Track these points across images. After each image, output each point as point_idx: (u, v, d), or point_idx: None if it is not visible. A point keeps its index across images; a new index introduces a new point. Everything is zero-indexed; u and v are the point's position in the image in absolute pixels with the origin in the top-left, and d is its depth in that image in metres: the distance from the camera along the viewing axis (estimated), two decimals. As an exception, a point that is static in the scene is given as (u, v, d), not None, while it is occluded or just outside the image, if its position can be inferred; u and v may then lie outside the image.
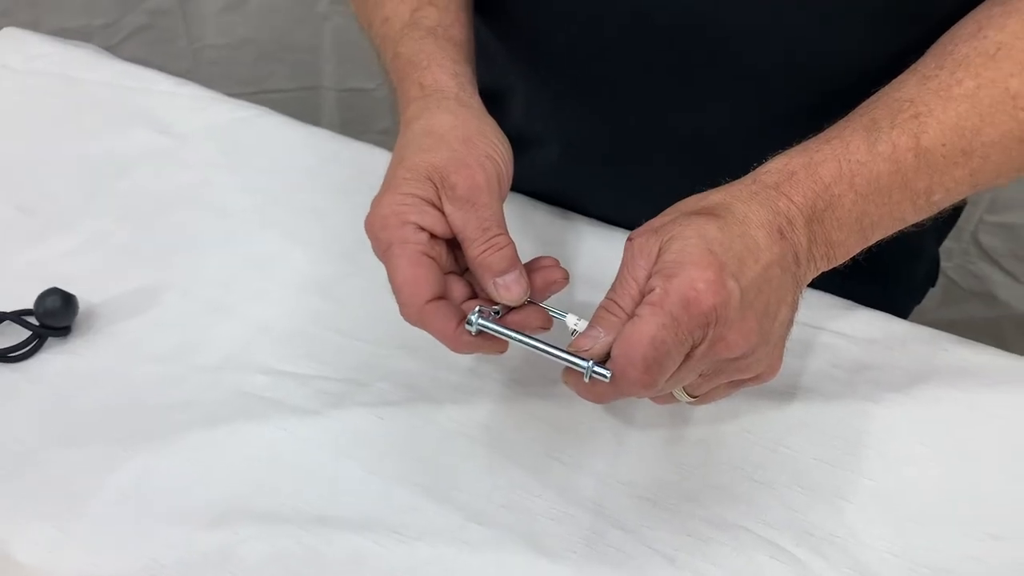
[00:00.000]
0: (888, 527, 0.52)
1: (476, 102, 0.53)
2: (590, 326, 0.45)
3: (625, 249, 0.46)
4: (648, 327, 0.42)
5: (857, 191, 0.47)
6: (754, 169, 0.49)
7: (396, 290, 0.47)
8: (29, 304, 0.60)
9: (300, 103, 1.51)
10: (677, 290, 0.42)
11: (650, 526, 0.52)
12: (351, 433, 0.56)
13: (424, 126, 0.50)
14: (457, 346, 0.47)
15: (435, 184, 0.48)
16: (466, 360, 0.59)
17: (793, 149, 0.49)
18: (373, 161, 0.72)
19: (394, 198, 0.48)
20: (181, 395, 0.57)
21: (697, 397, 0.49)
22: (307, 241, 0.67)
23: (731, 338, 0.43)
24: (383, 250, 0.48)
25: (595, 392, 0.44)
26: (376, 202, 0.48)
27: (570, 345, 0.45)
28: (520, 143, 0.75)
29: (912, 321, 0.80)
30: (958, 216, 0.83)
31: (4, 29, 0.86)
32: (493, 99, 0.77)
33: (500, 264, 0.47)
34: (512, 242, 0.48)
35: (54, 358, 0.59)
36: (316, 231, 0.68)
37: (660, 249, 0.44)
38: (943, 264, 1.31)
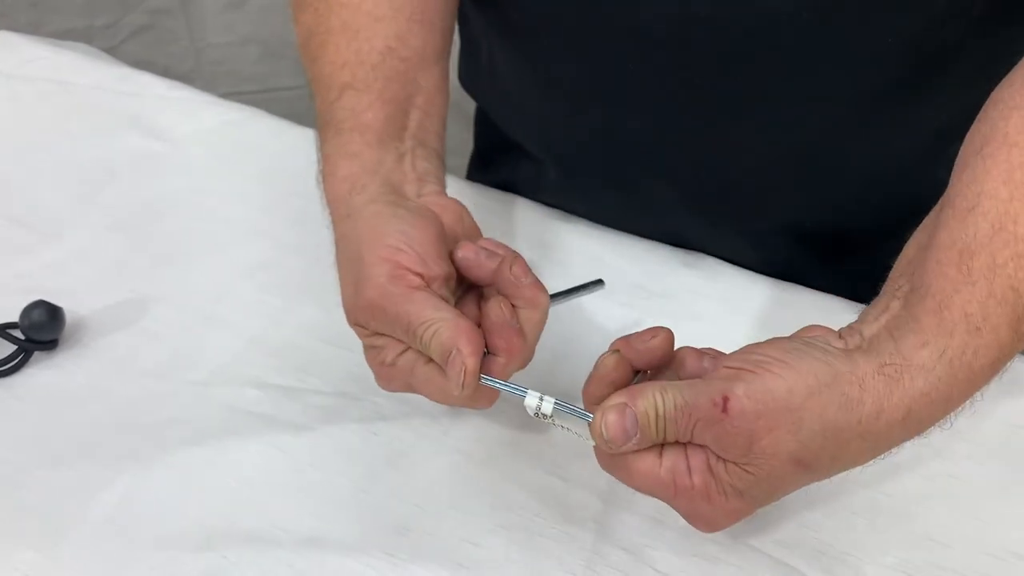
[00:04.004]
0: (904, 545, 0.50)
1: (373, 189, 0.50)
2: (632, 418, 0.41)
3: (716, 404, 0.40)
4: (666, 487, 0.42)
5: (986, 385, 0.44)
6: (906, 341, 0.41)
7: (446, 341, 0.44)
8: (14, 317, 0.58)
9: (304, 101, 1.48)
10: (703, 511, 0.43)
11: (654, 546, 0.49)
12: (344, 449, 0.54)
13: (344, 250, 0.49)
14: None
15: (363, 324, 0.47)
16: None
17: (944, 324, 0.41)
18: (369, 164, 0.70)
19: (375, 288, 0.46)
20: (169, 411, 0.56)
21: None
22: (299, 249, 0.65)
23: (701, 523, 0.44)
24: (393, 316, 0.45)
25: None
26: (358, 293, 0.46)
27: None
28: (518, 155, 0.74)
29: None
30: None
31: (-4, 33, 0.85)
32: (497, 115, 0.76)
33: (440, 348, 0.44)
34: (444, 319, 0.44)
35: (40, 373, 0.58)
36: (309, 238, 0.66)
37: (746, 452, 0.40)
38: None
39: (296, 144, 0.73)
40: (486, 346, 0.45)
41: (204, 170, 0.71)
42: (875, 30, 0.54)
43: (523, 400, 0.44)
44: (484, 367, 0.45)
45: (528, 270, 0.46)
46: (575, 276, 0.64)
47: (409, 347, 0.46)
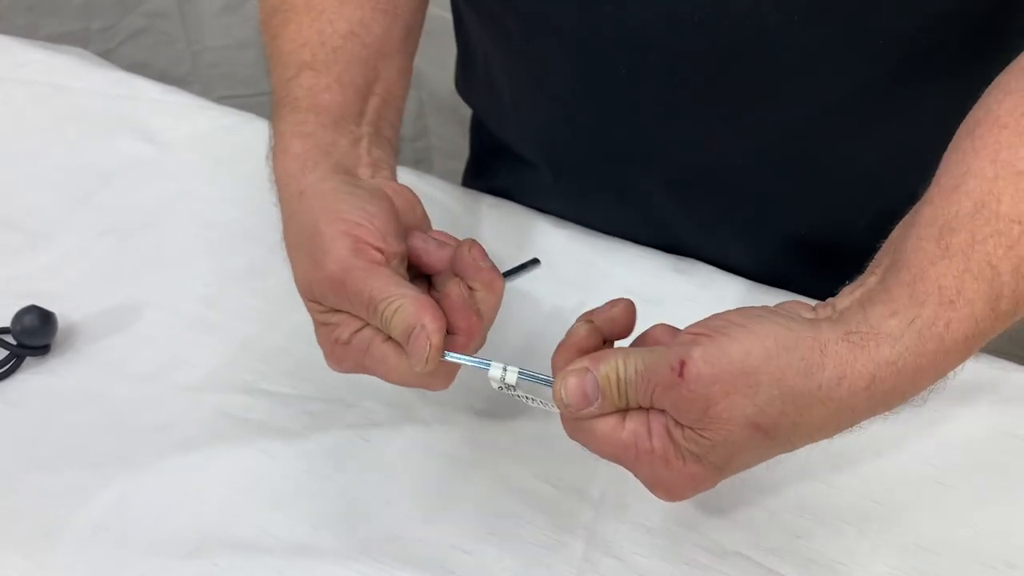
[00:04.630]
0: (894, 553, 0.50)
1: (326, 168, 0.49)
2: (592, 381, 0.41)
3: (673, 369, 0.40)
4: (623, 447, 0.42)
5: (963, 362, 0.42)
6: (874, 309, 0.41)
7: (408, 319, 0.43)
8: (6, 322, 0.58)
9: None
10: (662, 475, 0.42)
11: (645, 554, 0.49)
12: (335, 456, 0.54)
13: (288, 241, 0.49)
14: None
15: (319, 300, 0.46)
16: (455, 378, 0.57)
17: (916, 296, 0.40)
18: (362, 170, 0.70)
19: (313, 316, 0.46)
20: (161, 417, 0.56)
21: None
22: (293, 254, 0.65)
23: (661, 491, 0.43)
24: (354, 291, 0.44)
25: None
26: (318, 267, 0.45)
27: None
28: (514, 161, 0.74)
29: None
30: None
31: (-10, 37, 0.85)
32: (492, 122, 0.76)
33: (401, 325, 0.43)
34: (406, 296, 0.43)
35: (32, 378, 0.58)
36: (303, 243, 0.66)
37: (696, 417, 0.40)
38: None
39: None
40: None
41: (197, 174, 0.71)
42: (867, 32, 0.54)
43: (487, 372, 0.44)
44: (445, 345, 0.44)
45: (485, 254, 0.46)
46: (570, 281, 0.64)
47: (367, 325, 0.45)
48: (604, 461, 0.52)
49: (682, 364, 0.39)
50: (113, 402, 0.57)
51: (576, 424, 0.43)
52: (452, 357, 0.44)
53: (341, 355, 0.47)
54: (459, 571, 0.48)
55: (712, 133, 0.60)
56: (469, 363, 0.44)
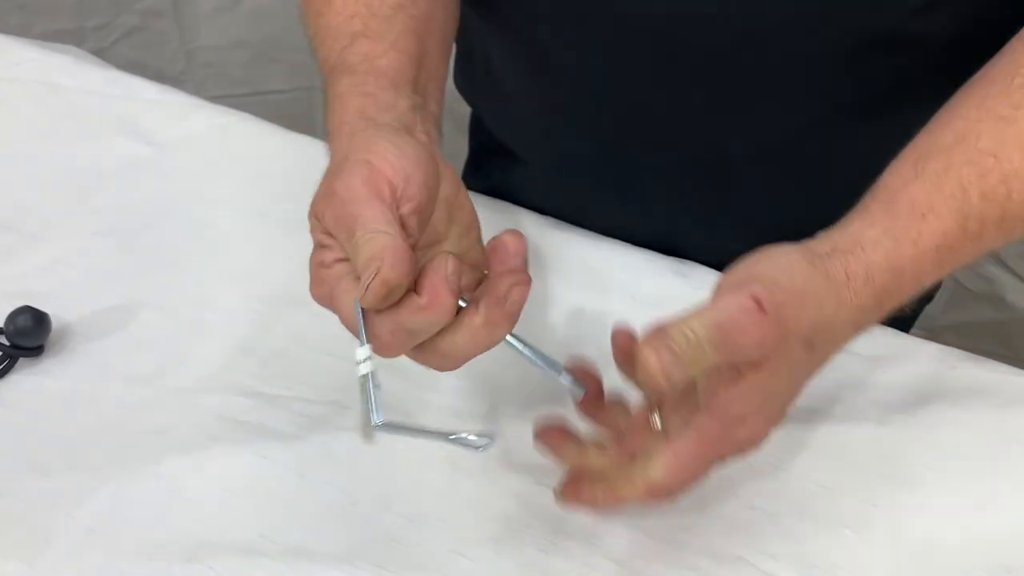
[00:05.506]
0: (895, 557, 0.49)
1: (385, 119, 0.47)
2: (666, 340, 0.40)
3: (747, 310, 0.40)
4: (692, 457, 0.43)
5: (939, 275, 0.46)
6: (858, 226, 0.45)
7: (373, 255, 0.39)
8: (-1, 323, 0.57)
9: (295, 104, 1.49)
10: (733, 439, 0.43)
11: (645, 559, 0.49)
12: (332, 459, 0.53)
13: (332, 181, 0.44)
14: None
15: (318, 217, 0.43)
16: (453, 381, 0.57)
17: (891, 213, 0.45)
18: (359, 170, 0.70)
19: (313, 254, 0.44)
20: (156, 419, 0.55)
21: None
22: (289, 255, 0.64)
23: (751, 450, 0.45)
24: (344, 215, 0.41)
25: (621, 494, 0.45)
26: (327, 183, 0.42)
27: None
28: (513, 159, 0.74)
29: (920, 324, 0.77)
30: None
31: (-16, 35, 0.84)
32: (490, 117, 0.76)
33: (363, 259, 0.39)
34: (389, 235, 0.39)
35: (25, 380, 0.57)
36: (299, 244, 0.65)
37: (780, 345, 0.41)
38: (951, 266, 1.28)
39: (286, 148, 0.73)
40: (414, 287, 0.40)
41: (193, 174, 0.71)
42: (859, 27, 0.54)
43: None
44: (400, 300, 0.40)
45: (524, 253, 0.45)
46: (567, 283, 0.64)
47: (346, 259, 0.42)
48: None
49: (757, 300, 0.40)
50: (108, 404, 0.56)
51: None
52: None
53: (320, 278, 0.43)
54: (457, 575, 0.48)
55: (714, 131, 0.60)
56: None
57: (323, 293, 0.44)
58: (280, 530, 0.50)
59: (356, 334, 0.41)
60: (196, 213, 0.68)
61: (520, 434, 0.54)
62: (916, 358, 0.58)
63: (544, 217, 0.69)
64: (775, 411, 0.45)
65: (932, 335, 0.61)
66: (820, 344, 0.43)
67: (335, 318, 0.58)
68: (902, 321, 0.76)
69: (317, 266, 0.43)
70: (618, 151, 0.64)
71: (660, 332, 0.40)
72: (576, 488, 0.46)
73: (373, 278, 0.38)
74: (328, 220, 0.42)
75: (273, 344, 0.59)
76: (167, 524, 0.50)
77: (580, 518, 0.50)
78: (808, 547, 0.50)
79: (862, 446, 0.54)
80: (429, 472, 0.53)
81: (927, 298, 0.83)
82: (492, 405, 0.56)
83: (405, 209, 0.41)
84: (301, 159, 0.72)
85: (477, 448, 0.47)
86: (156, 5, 1.43)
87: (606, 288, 0.63)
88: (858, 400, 0.56)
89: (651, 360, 0.40)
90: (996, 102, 0.46)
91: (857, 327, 0.45)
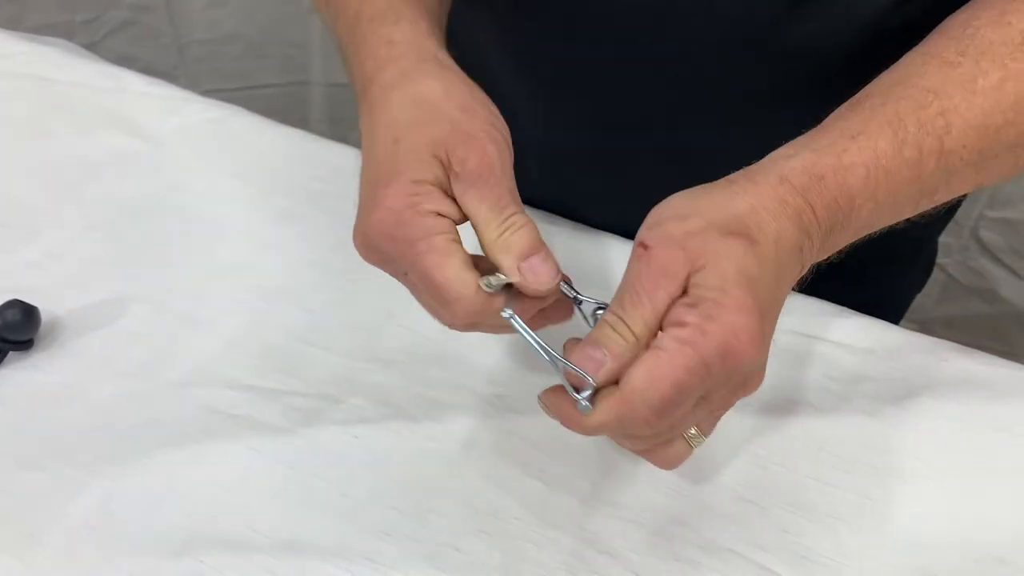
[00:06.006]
0: (886, 549, 0.49)
1: (456, 66, 0.47)
2: (590, 344, 0.40)
3: (638, 258, 0.40)
4: (675, 368, 0.37)
5: (877, 202, 0.44)
6: (773, 154, 0.44)
7: (439, 289, 0.40)
8: (-11, 317, 0.57)
9: (288, 98, 1.48)
10: (716, 336, 0.37)
11: (636, 551, 0.49)
12: (324, 453, 0.53)
13: (411, 94, 0.44)
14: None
15: (442, 162, 0.42)
16: (444, 374, 0.57)
17: (816, 138, 0.44)
18: (350, 163, 0.70)
19: (403, 187, 0.41)
20: (147, 413, 0.55)
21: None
22: (281, 248, 0.64)
23: (753, 382, 0.41)
24: (403, 251, 0.41)
25: (582, 423, 0.40)
26: (379, 197, 0.41)
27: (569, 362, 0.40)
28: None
29: (912, 317, 0.77)
30: (958, 206, 0.81)
31: (-27, 29, 0.84)
32: None
33: (522, 244, 0.42)
34: (532, 220, 0.42)
35: (15, 374, 0.57)
36: (290, 238, 0.65)
37: (690, 274, 0.39)
38: (943, 260, 1.29)
39: (278, 142, 0.73)
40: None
41: (184, 168, 0.70)
42: (866, 32, 0.54)
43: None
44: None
45: (562, 285, 0.45)
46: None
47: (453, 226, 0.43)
48: (594, 456, 0.53)
49: (641, 244, 0.40)
50: (98, 398, 0.56)
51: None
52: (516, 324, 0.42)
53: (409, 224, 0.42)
54: (449, 567, 0.48)
55: (709, 127, 0.60)
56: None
57: (403, 237, 0.42)
58: (271, 523, 0.50)
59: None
60: (187, 207, 0.68)
61: (509, 425, 0.54)
62: (907, 351, 0.58)
63: (535, 210, 0.69)
64: (748, 303, 0.39)
65: (924, 328, 0.61)
66: (755, 230, 0.40)
67: (325, 313, 0.58)
68: (893, 314, 0.76)
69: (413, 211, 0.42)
70: (607, 144, 0.64)
71: (590, 359, 0.40)
72: (558, 391, 0.42)
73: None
74: (470, 166, 0.42)
75: (264, 338, 0.59)
76: (159, 518, 0.50)
77: (571, 510, 0.51)
78: (799, 539, 0.50)
79: (853, 438, 0.54)
80: (420, 465, 0.53)
81: (918, 286, 0.84)
82: (486, 397, 0.56)
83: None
84: (293, 153, 0.72)
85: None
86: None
87: (598, 282, 0.63)
88: (849, 392, 0.56)
89: (601, 409, 0.40)
90: (942, 48, 0.46)
91: (793, 220, 0.41)
